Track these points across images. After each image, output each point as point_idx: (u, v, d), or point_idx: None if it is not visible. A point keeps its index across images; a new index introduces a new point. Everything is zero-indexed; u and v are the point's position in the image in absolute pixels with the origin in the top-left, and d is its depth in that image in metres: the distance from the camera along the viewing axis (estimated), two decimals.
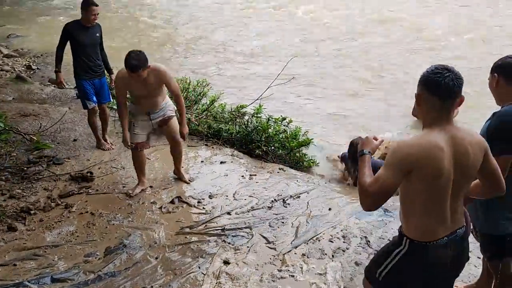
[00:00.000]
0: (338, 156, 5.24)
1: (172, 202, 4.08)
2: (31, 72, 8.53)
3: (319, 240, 3.52)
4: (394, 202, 3.96)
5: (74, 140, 5.32)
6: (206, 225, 3.75)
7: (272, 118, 5.69)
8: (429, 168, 1.73)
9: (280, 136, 5.55)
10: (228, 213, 3.93)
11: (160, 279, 3.07)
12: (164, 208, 3.99)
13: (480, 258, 2.92)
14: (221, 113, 5.99)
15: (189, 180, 4.42)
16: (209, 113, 5.97)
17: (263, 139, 5.48)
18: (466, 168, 1.80)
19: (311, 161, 5.45)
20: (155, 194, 4.21)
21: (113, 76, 5.10)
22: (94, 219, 3.75)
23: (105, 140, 5.24)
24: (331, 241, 3.51)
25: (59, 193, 4.15)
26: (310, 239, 3.53)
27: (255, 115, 5.80)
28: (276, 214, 3.89)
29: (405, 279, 1.93)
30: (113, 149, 5.17)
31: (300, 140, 5.50)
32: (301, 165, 5.36)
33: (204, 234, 3.61)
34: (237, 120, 5.86)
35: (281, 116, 5.80)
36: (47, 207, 3.88)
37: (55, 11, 14.21)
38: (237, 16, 13.95)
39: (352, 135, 6.11)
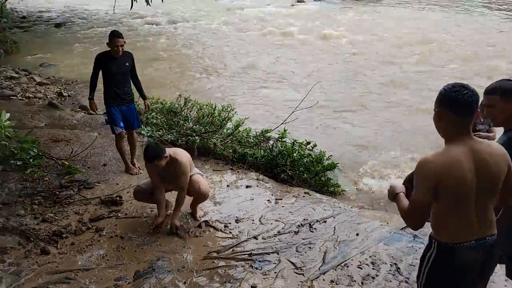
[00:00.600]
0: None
1: (199, 226, 4.11)
2: (62, 99, 8.86)
3: (347, 266, 3.48)
4: (424, 229, 3.89)
5: (104, 164, 5.46)
6: (233, 250, 3.75)
7: (296, 143, 5.72)
8: (451, 180, 1.85)
9: (305, 160, 5.56)
10: (255, 238, 3.93)
11: None
12: (191, 232, 4.02)
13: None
14: (246, 137, 6.06)
15: (199, 217, 4.30)
16: (234, 138, 6.04)
17: (288, 163, 5.49)
18: (488, 178, 1.91)
19: (336, 185, 5.43)
20: (183, 218, 4.25)
21: (147, 101, 5.44)
22: (123, 243, 3.81)
23: (133, 165, 5.37)
24: (360, 268, 3.46)
25: (89, 217, 4.24)
26: (338, 265, 3.49)
27: (280, 139, 5.85)
28: (303, 239, 3.87)
29: (439, 284, 2.01)
30: (140, 173, 5.28)
31: (325, 164, 5.50)
32: (326, 189, 5.35)
33: (231, 259, 3.62)
34: (262, 144, 5.92)
35: (306, 140, 5.82)
36: (78, 230, 3.97)
37: (84, 41, 14.83)
38: (273, 43, 14.29)
39: (379, 161, 6.12)
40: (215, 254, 3.70)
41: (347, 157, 6.32)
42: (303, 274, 3.39)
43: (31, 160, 5.11)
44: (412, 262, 3.50)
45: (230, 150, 5.83)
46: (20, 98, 8.48)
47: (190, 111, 6.58)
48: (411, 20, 17.07)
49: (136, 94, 5.41)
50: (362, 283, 3.27)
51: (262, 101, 8.98)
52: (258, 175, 5.39)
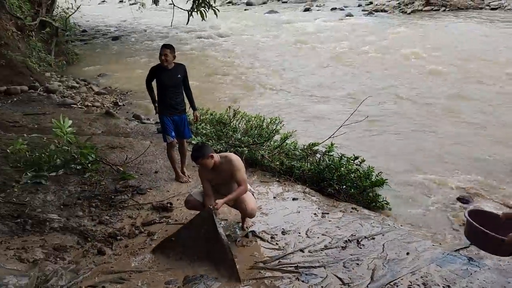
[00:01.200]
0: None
1: (246, 236, 4.17)
2: (118, 108, 9.30)
3: (397, 286, 3.40)
4: (479, 252, 3.75)
5: (156, 172, 5.67)
6: (279, 261, 3.77)
7: (344, 157, 5.68)
8: None
9: (352, 175, 5.50)
10: (301, 251, 3.93)
11: None
12: (238, 241, 4.08)
13: None
14: (293, 150, 6.09)
15: (246, 227, 4.33)
16: (281, 150, 6.09)
17: (335, 178, 5.46)
18: None
19: (385, 202, 5.32)
20: (230, 228, 4.33)
21: (197, 113, 5.57)
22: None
23: (183, 173, 5.53)
24: None
25: (142, 221, 4.42)
26: (387, 284, 3.41)
27: (327, 153, 5.83)
28: (351, 255, 3.83)
29: None
30: (190, 181, 5.43)
31: (373, 180, 5.41)
32: (375, 205, 5.25)
33: (277, 270, 3.63)
34: (309, 157, 5.92)
35: (353, 155, 5.76)
36: (132, 234, 4.15)
37: (139, 54, 15.52)
38: (321, 57, 14.36)
39: (431, 179, 5.94)
40: (261, 265, 3.73)
41: (397, 174, 6.17)
42: None
43: (89, 165, 5.44)
44: (466, 286, 3.37)
45: (277, 162, 5.88)
46: (79, 106, 8.99)
47: (239, 123, 6.71)
48: (473, 33, 16.47)
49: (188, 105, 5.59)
50: None
51: (310, 115, 8.98)
52: (305, 188, 5.39)
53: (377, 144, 7.41)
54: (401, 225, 4.61)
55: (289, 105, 9.73)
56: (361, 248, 3.96)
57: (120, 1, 34.02)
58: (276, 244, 4.06)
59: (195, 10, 5.43)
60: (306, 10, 26.54)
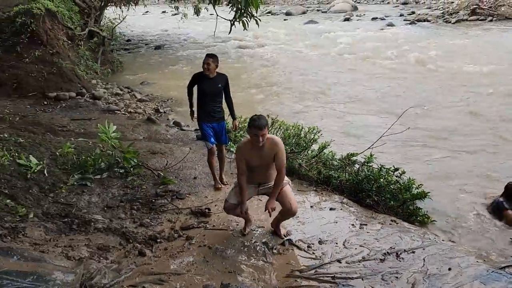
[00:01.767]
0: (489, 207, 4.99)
1: (282, 244, 4.17)
2: (159, 115, 9.57)
3: None
4: None
5: (194, 178, 5.78)
6: (316, 271, 3.75)
7: (384, 168, 5.58)
8: None
9: (392, 187, 5.40)
10: (339, 261, 3.89)
11: None
12: (275, 249, 4.09)
13: None
14: (331, 160, 6.06)
15: (283, 235, 4.30)
16: (319, 159, 6.06)
17: (374, 189, 5.38)
18: None
19: (426, 215, 5.18)
20: (267, 235, 4.34)
21: (236, 122, 5.65)
22: (211, 253, 4.00)
23: (221, 179, 5.62)
24: None
25: (181, 225, 4.52)
26: None
27: (366, 163, 5.75)
28: (390, 268, 3.75)
29: None
30: (225, 184, 5.51)
31: (414, 192, 5.29)
32: (415, 219, 5.13)
33: (314, 280, 3.62)
34: (347, 167, 5.86)
35: (393, 166, 5.65)
36: (171, 237, 4.25)
37: (180, 62, 15.93)
38: (361, 67, 14.23)
39: (474, 194, 5.76)
40: (298, 273, 3.73)
41: (440, 188, 5.99)
42: None
43: (131, 169, 5.64)
44: None
45: (315, 172, 5.86)
46: (123, 112, 9.32)
47: (277, 132, 6.74)
48: None
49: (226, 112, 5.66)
50: None
51: (348, 125, 8.92)
52: (342, 198, 5.34)
53: (419, 156, 7.24)
54: (443, 240, 4.48)
55: (327, 115, 9.69)
56: (400, 261, 3.87)
57: (163, 12, 35.11)
58: (313, 253, 4.04)
59: (238, 20, 5.53)
60: (346, 20, 26.41)
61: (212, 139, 5.41)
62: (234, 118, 5.61)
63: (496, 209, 5.38)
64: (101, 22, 15.66)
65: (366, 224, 4.61)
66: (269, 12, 32.59)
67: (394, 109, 9.41)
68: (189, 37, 22.16)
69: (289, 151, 6.08)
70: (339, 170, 5.87)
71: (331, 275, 3.66)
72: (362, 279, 3.59)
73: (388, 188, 5.36)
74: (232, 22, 5.69)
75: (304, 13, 31.92)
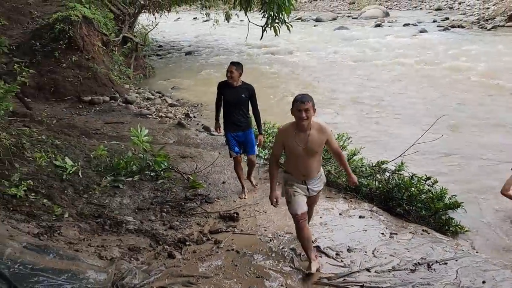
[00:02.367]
0: None
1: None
2: (189, 120, 9.72)
3: None
4: None
5: (223, 182, 5.83)
6: (344, 279, 3.70)
7: (415, 177, 5.47)
8: None
9: (423, 196, 5.28)
10: (368, 270, 3.83)
11: None
12: (303, 255, 4.07)
13: None
14: (360, 167, 5.97)
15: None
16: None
17: (405, 198, 5.27)
18: None
19: (459, 226, 5.03)
20: (295, 241, 4.32)
21: (262, 137, 5.44)
22: (239, 257, 4.01)
23: (250, 180, 5.64)
24: None
25: (209, 229, 4.56)
26: None
27: (397, 172, 5.65)
28: (421, 279, 3.66)
29: None
30: (256, 186, 5.54)
31: (446, 202, 5.15)
32: (447, 229, 4.99)
33: None
34: (377, 175, 5.77)
35: (425, 175, 5.53)
36: (200, 240, 4.30)
37: (209, 68, 16.14)
38: (392, 74, 14.05)
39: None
40: (326, 281, 3.69)
41: (474, 198, 5.82)
42: None
43: (162, 172, 5.74)
44: None
45: (344, 179, 5.80)
46: (154, 117, 9.52)
47: None
48: None
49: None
50: None
51: (379, 132, 8.80)
52: (372, 206, 5.26)
53: (453, 166, 7.05)
54: (477, 252, 4.34)
55: (358, 121, 9.59)
56: (432, 272, 3.78)
57: (194, 18, 35.72)
58: (341, 261, 3.99)
59: (269, 26, 5.57)
60: (377, 26, 26.11)
61: (236, 149, 5.36)
62: (260, 132, 5.43)
63: None
64: (135, 28, 16.09)
65: (396, 233, 4.52)
66: (299, 19, 32.61)
67: (426, 117, 9.21)
68: (219, 43, 22.43)
69: None
70: (368, 178, 5.78)
71: (360, 284, 3.61)
72: None
73: (420, 197, 5.24)
74: (263, 28, 5.72)
75: (334, 19, 31.76)
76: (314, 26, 28.81)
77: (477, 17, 25.03)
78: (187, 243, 4.23)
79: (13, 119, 6.57)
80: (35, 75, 8.83)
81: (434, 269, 3.82)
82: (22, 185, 4.51)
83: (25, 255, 3.15)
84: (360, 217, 4.91)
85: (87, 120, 8.55)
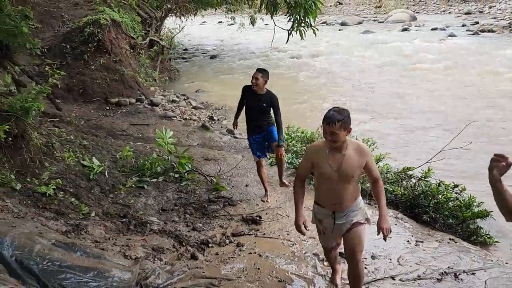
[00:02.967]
0: None
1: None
2: (213, 122, 9.79)
3: None
4: None
5: (246, 185, 5.84)
6: (368, 286, 3.65)
7: (442, 184, 5.35)
8: None
9: (451, 204, 5.16)
10: (392, 278, 3.77)
11: None
12: (324, 261, 4.03)
13: None
14: (385, 173, 5.89)
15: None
16: None
17: (431, 205, 5.16)
18: None
19: (488, 236, 4.89)
20: (318, 246, 4.28)
21: (282, 150, 5.25)
22: (261, 260, 4.01)
23: (282, 182, 5.54)
24: None
25: (232, 232, 4.57)
26: None
27: (423, 178, 5.54)
28: None
29: None
30: (289, 184, 5.40)
31: (474, 211, 5.01)
32: (475, 238, 4.86)
33: None
34: (403, 182, 5.67)
35: (453, 182, 5.40)
36: (222, 242, 4.31)
37: (233, 71, 16.23)
38: (419, 79, 13.84)
39: None
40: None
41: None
42: None
43: (186, 174, 5.79)
44: None
45: (368, 184, 5.71)
46: (179, 119, 9.63)
47: None
48: None
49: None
50: None
51: (406, 138, 8.66)
52: (397, 213, 5.17)
53: (481, 174, 6.82)
54: (507, 263, 4.20)
55: (383, 126, 9.46)
56: (459, 282, 3.68)
57: (219, 22, 36.02)
58: (365, 268, 3.93)
59: (295, 29, 5.57)
60: (404, 30, 25.73)
61: (258, 153, 5.36)
62: (279, 144, 5.16)
63: None
64: (161, 31, 16.33)
65: (422, 241, 4.43)
66: (324, 23, 32.45)
67: (454, 123, 9.01)
68: (243, 47, 22.55)
69: None
70: (394, 184, 5.69)
71: None
72: None
73: (447, 205, 5.13)
74: (289, 32, 5.72)
75: (360, 23, 31.47)
76: (339, 30, 28.61)
77: (508, 21, 24.35)
78: (210, 245, 4.25)
79: (43, 119, 6.77)
80: (65, 77, 9.05)
81: (461, 279, 3.72)
82: (51, 184, 4.63)
83: (54, 252, 3.23)
84: None
85: (114, 121, 8.72)
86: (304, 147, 6.57)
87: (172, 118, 9.62)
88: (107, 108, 9.64)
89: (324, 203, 3.18)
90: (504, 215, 2.04)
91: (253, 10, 19.16)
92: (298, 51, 19.37)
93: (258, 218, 4.83)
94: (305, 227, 3.21)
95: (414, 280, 3.73)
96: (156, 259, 3.89)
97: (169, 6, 14.99)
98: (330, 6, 41.86)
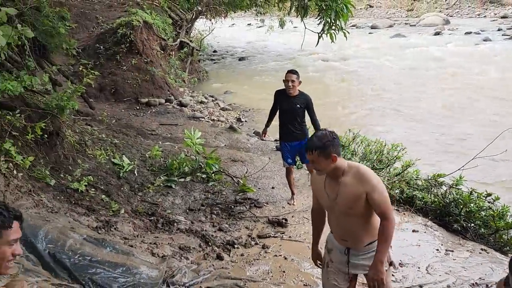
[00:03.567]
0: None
1: None
2: (240, 124, 9.84)
3: None
4: None
5: (273, 187, 5.84)
6: None
7: (474, 192, 5.19)
8: None
9: (483, 214, 5.01)
10: (420, 287, 3.69)
11: None
12: None
13: None
14: (415, 179, 5.77)
15: None
16: (402, 178, 5.81)
17: (463, 214, 5.02)
18: None
19: None
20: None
21: None
22: (286, 263, 4.00)
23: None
24: None
25: (257, 233, 4.58)
26: None
27: (454, 186, 5.40)
28: None
29: None
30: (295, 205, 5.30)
31: (508, 221, 4.85)
32: (509, 250, 4.69)
33: None
34: (433, 189, 5.54)
35: (486, 191, 5.23)
36: (248, 244, 4.32)
37: (261, 74, 16.26)
38: (450, 84, 13.54)
39: None
40: None
41: None
42: None
43: (213, 174, 5.84)
44: None
45: (397, 190, 5.62)
46: (207, 120, 9.73)
47: (358, 146, 6.60)
48: None
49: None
50: None
51: (437, 144, 8.45)
52: (427, 220, 5.05)
53: None
54: None
55: (414, 133, 9.27)
56: None
57: (248, 24, 36.16)
58: (393, 275, 3.86)
59: (326, 32, 5.54)
60: (437, 34, 25.16)
61: (290, 160, 5.26)
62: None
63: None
64: (191, 33, 16.55)
65: (452, 251, 4.32)
66: (353, 26, 32.08)
67: (488, 130, 8.72)
68: (272, 49, 22.56)
69: (371, 167, 5.90)
70: (423, 191, 5.57)
71: None
72: None
73: (479, 214, 4.98)
74: (320, 35, 5.69)
75: (390, 26, 30.96)
76: (369, 33, 28.24)
77: None
78: (236, 245, 4.27)
79: (77, 117, 6.96)
80: (97, 77, 9.30)
81: None
82: (83, 180, 4.76)
83: (85, 247, 3.32)
84: (413, 231, 4.74)
85: (144, 121, 8.89)
86: None
87: (200, 119, 9.72)
88: (137, 107, 9.83)
89: (334, 234, 2.74)
90: None
91: (282, 12, 19.16)
92: (327, 54, 19.22)
93: (284, 221, 4.82)
94: (318, 264, 2.89)
95: None
96: (182, 257, 3.94)
97: (199, 8, 15.17)
98: (360, 9, 41.34)
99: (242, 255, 4.14)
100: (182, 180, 5.70)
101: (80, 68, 6.29)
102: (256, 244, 4.36)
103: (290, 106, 5.03)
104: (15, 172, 3.98)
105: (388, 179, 5.80)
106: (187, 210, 5.02)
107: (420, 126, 9.72)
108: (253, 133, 8.96)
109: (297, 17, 7.25)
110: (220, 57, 20.70)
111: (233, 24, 37.21)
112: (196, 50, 15.35)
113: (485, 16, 33.42)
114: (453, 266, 4.00)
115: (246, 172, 6.21)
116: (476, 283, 3.72)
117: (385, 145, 6.28)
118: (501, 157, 6.14)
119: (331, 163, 2.47)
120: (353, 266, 2.66)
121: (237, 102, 12.18)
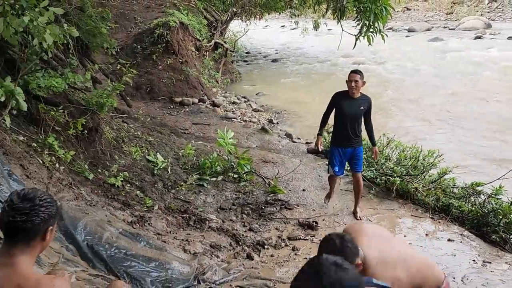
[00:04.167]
0: None
1: None
2: (272, 126, 9.84)
3: None
4: None
5: (303, 190, 5.81)
6: None
7: None
8: None
9: None
10: None
11: None
12: None
13: None
14: (452, 187, 5.61)
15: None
16: (438, 186, 5.65)
17: (502, 224, 4.84)
18: None
19: None
20: None
21: (376, 148, 5.22)
22: None
23: (355, 213, 5.10)
24: None
25: (287, 235, 4.57)
26: None
27: (494, 195, 5.20)
28: None
29: None
30: (359, 219, 5.04)
31: None
32: None
33: None
34: (471, 198, 5.36)
35: None
36: (278, 245, 4.32)
37: (294, 76, 16.20)
38: (496, 91, 13.09)
39: None
40: None
41: None
42: None
43: (244, 175, 5.88)
44: None
45: (432, 198, 5.48)
46: (239, 120, 9.79)
47: (392, 152, 6.47)
48: None
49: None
50: None
51: (476, 151, 8.17)
52: (463, 230, 4.90)
53: None
54: None
55: (453, 138, 9.00)
56: None
57: (282, 26, 36.15)
58: None
59: (363, 35, 5.47)
60: (477, 38, 24.32)
61: (337, 168, 4.94)
62: (374, 144, 5.11)
63: None
64: (225, 34, 16.70)
65: (490, 262, 4.17)
66: (390, 28, 31.47)
67: None
68: (306, 51, 22.46)
69: (405, 173, 5.78)
70: (460, 199, 5.40)
71: None
72: None
73: None
74: (357, 37, 5.63)
75: (428, 29, 30.18)
76: (406, 36, 27.63)
77: None
78: (266, 246, 4.28)
79: (114, 115, 7.17)
80: (134, 76, 9.56)
81: None
82: (120, 176, 4.90)
83: (121, 240, 3.41)
84: (448, 240, 4.61)
85: (177, 119, 9.04)
86: (365, 156, 6.40)
87: (233, 119, 9.79)
88: (172, 106, 10.01)
89: None
90: None
91: (317, 14, 19.05)
92: (362, 57, 18.95)
93: (314, 224, 4.80)
94: None
95: None
96: (213, 255, 3.99)
97: (234, 9, 15.30)
98: (397, 11, 40.53)
99: (272, 256, 4.15)
100: (214, 179, 5.77)
101: (119, 67, 6.48)
102: (286, 245, 4.35)
103: (353, 108, 4.76)
104: (57, 165, 4.14)
105: (423, 186, 5.66)
106: (218, 209, 5.07)
107: (459, 132, 9.42)
108: (285, 135, 8.95)
109: (333, 19, 7.19)
110: (253, 58, 20.78)
111: (266, 26, 37.26)
112: (230, 51, 15.48)
113: None
114: (491, 278, 3.87)
115: (277, 174, 6.21)
116: None
117: (421, 151, 6.12)
118: None
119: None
120: None
121: (269, 104, 12.18)
